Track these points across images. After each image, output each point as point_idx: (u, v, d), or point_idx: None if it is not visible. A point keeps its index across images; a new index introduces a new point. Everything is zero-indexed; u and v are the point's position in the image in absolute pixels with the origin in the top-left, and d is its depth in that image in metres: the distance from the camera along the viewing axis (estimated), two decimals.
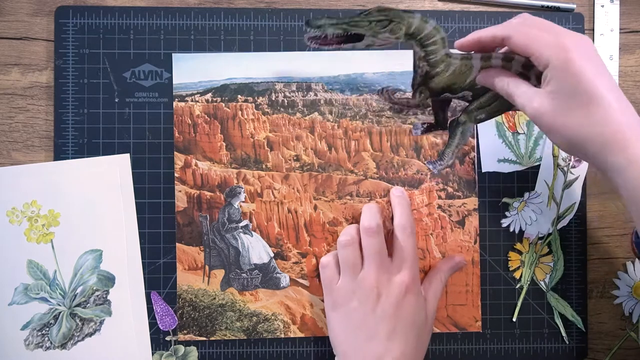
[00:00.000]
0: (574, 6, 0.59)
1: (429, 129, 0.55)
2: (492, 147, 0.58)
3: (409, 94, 0.56)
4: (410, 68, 0.52)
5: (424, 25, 0.49)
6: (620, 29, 0.59)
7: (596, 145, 0.43)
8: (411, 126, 0.58)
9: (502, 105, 0.50)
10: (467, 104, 0.51)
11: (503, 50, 0.49)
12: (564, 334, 0.57)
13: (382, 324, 0.51)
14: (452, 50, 0.49)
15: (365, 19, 0.48)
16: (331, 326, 0.53)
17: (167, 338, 0.56)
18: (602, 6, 0.59)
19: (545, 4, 0.58)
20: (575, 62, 0.42)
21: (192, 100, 0.57)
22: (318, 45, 0.49)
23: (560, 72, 0.43)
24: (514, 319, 0.58)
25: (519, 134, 0.58)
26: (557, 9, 0.59)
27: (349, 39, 0.49)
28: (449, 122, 0.53)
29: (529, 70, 0.46)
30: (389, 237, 0.54)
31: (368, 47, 0.49)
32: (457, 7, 0.59)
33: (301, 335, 0.57)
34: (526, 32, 0.44)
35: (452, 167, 0.57)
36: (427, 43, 0.49)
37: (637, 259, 0.58)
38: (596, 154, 0.44)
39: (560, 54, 0.42)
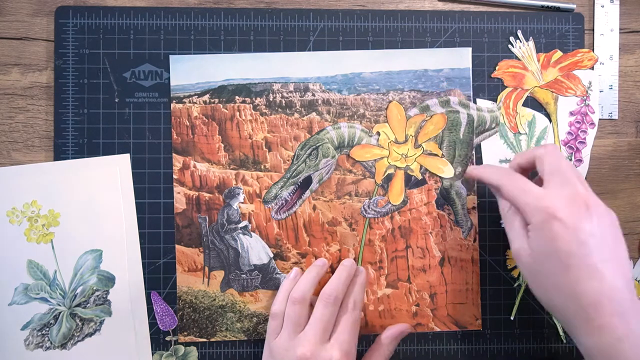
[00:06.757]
0: (574, 6, 0.58)
1: None
2: (494, 147, 0.58)
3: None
4: (408, 67, 0.52)
5: (340, 131, 0.56)
6: (620, 29, 0.59)
7: (566, 316, 0.43)
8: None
9: (468, 145, 0.56)
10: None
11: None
12: (561, 333, 0.57)
13: None
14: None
15: (299, 163, 0.55)
16: None
17: (167, 338, 0.56)
18: (602, 6, 0.59)
19: (545, 4, 0.58)
20: (553, 229, 0.42)
21: (189, 102, 0.57)
22: (287, 210, 0.56)
23: (539, 233, 0.43)
24: (512, 317, 0.57)
25: (521, 134, 0.58)
26: (557, 9, 0.58)
27: (303, 187, 0.56)
28: (437, 198, 0.57)
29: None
30: None
31: (321, 182, 0.56)
32: (457, 7, 0.59)
33: None
34: (515, 185, 0.46)
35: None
36: (356, 142, 0.56)
37: None
38: (565, 324, 0.43)
39: (540, 216, 0.43)
